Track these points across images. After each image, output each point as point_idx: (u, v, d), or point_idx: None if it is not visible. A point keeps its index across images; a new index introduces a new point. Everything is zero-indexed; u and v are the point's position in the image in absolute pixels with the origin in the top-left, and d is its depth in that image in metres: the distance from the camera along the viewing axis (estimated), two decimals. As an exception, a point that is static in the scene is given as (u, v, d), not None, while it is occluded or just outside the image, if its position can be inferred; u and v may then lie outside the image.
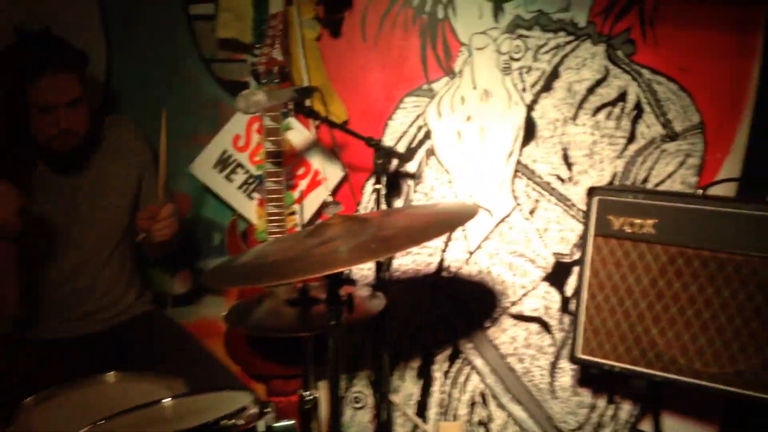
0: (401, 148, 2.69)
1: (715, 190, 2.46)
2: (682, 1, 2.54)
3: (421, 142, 2.69)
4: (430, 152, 2.69)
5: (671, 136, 2.59)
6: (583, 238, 2.28)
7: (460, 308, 2.78)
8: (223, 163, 2.65)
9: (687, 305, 2.12)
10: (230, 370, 2.48)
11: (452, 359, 2.83)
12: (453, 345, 2.82)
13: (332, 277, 1.69)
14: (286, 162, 2.53)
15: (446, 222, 1.82)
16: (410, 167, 2.71)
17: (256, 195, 2.66)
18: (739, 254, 2.06)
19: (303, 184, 2.65)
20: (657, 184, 2.59)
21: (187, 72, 2.69)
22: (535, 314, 2.74)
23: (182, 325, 2.60)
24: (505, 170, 2.68)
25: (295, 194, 2.62)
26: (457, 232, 2.75)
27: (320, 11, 2.63)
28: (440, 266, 2.76)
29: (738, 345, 2.05)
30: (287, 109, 2.60)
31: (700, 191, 2.20)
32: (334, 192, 2.69)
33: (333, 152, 2.65)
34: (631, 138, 2.60)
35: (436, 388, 2.84)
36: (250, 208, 2.68)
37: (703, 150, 2.59)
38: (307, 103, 2.57)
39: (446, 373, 2.83)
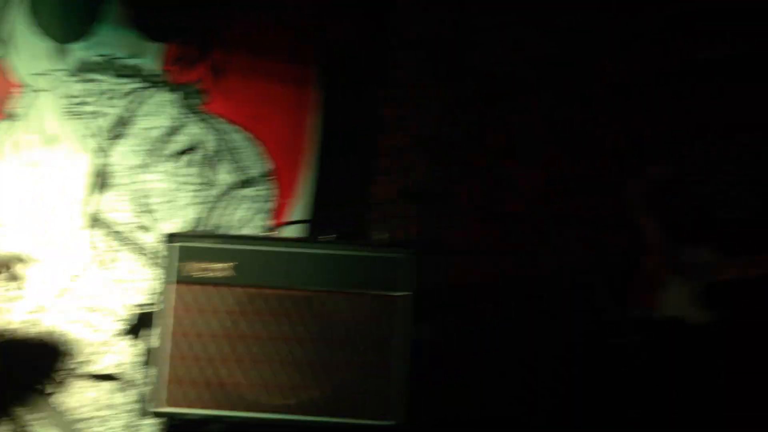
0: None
1: (289, 232, 2.64)
2: (248, 57, 2.70)
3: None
4: (-11, 202, 2.40)
5: (247, 183, 2.71)
6: (164, 285, 2.24)
7: (14, 376, 2.48)
8: None
9: (268, 343, 2.21)
10: None
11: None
12: (11, 419, 2.49)
13: None
14: None
15: None
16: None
17: None
18: (310, 290, 2.22)
19: None
20: (237, 229, 2.68)
21: None
22: (111, 371, 2.59)
23: None
24: (77, 221, 2.51)
25: None
26: (23, 290, 2.47)
27: None
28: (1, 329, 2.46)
29: (311, 375, 2.19)
30: None
31: (274, 233, 2.33)
32: None
33: None
34: (209, 184, 2.65)
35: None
36: None
37: (275, 195, 2.76)
38: None
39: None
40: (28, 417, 2.50)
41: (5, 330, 2.44)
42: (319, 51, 2.83)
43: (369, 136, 2.93)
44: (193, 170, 2.63)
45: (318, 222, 2.73)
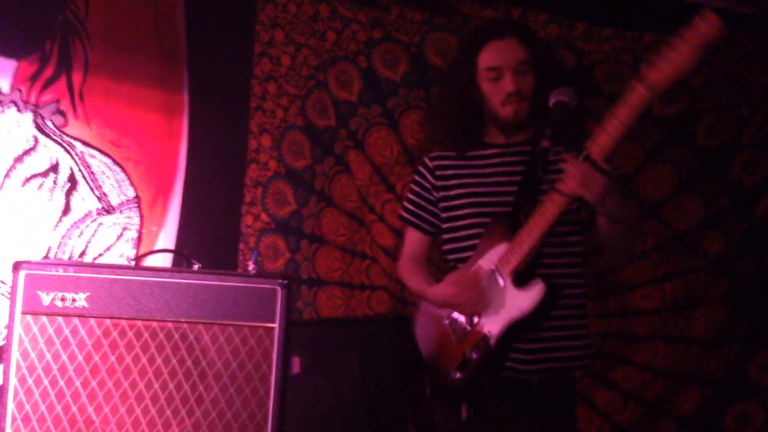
0: None
1: (152, 261, 2.53)
2: (111, 80, 2.61)
3: None
4: None
5: (108, 210, 2.59)
6: (10, 316, 2.08)
7: None
8: None
9: (124, 376, 2.10)
10: None
11: None
12: None
13: None
14: None
15: None
16: None
17: None
18: (171, 321, 2.13)
19: None
20: (96, 257, 2.55)
21: None
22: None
23: None
24: None
25: None
26: None
27: None
28: None
29: (172, 409, 2.10)
30: None
31: (133, 262, 2.23)
32: None
33: None
34: (66, 210, 2.52)
35: None
36: None
37: (139, 223, 2.65)
38: None
39: None
40: None
41: None
42: (192, 79, 2.79)
43: (237, 167, 2.90)
44: (48, 195, 2.49)
45: (184, 252, 2.65)
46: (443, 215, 2.01)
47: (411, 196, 2.06)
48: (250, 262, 2.27)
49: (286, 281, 2.16)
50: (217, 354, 2.12)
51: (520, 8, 2.63)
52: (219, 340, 2.13)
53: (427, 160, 2.03)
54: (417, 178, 2.05)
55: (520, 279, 1.81)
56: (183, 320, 2.13)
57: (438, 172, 2.00)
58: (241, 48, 2.89)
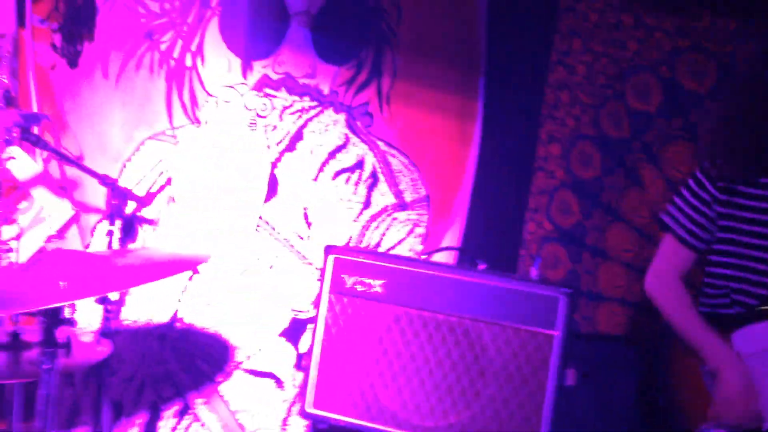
0: (140, 191, 2.57)
1: (438, 257, 2.68)
2: (413, 85, 2.79)
3: (161, 188, 2.60)
4: (170, 199, 2.61)
5: (402, 206, 2.78)
6: (319, 294, 2.34)
7: (189, 362, 2.68)
8: (-71, 189, 2.33)
9: (409, 362, 2.26)
10: None
11: (181, 415, 2.69)
12: (182, 400, 2.69)
13: (50, 314, 1.55)
14: (6, 194, 2.29)
15: (176, 267, 1.79)
16: (148, 212, 2.60)
17: (-39, 226, 2.37)
18: (454, 316, 2.24)
19: (24, 219, 2.41)
20: (388, 249, 2.76)
21: None
22: (268, 370, 2.72)
23: None
24: (247, 223, 2.67)
25: (14, 229, 2.37)
26: (194, 283, 2.66)
27: (57, 39, 2.47)
28: (173, 317, 2.65)
29: (450, 400, 2.21)
30: (10, 137, 2.37)
31: (424, 257, 2.38)
32: (62, 231, 2.48)
33: (62, 188, 2.45)
34: (367, 204, 2.75)
35: (162, 445, 2.68)
36: (-48, 240, 2.37)
37: (428, 221, 2.81)
38: (35, 131, 2.37)
39: (174, 430, 2.68)
40: (197, 400, 2.68)
41: (182, 318, 2.63)
42: (487, 86, 2.88)
43: (524, 174, 2.94)
44: (353, 188, 2.74)
45: (468, 251, 2.76)
46: (723, 235, 1.84)
47: (683, 206, 1.90)
48: (533, 269, 2.31)
49: (570, 290, 2.17)
50: (497, 354, 2.20)
51: None
52: (499, 340, 2.20)
53: (709, 168, 1.85)
54: (693, 186, 1.88)
55: None
56: (466, 316, 2.24)
57: (721, 184, 1.83)
58: (537, 56, 2.93)
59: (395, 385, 2.25)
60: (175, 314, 2.65)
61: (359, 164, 2.74)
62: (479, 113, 2.90)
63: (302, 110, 2.68)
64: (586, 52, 2.88)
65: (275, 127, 2.66)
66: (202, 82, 2.59)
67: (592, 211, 2.85)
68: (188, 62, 2.57)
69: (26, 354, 1.71)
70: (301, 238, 2.70)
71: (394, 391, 2.25)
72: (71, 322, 1.58)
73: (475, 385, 2.20)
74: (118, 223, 2.27)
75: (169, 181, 2.60)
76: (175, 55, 2.55)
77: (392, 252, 2.75)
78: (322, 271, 2.34)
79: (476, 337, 2.21)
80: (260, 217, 2.66)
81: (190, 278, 2.63)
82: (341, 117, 2.71)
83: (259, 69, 2.62)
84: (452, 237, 2.85)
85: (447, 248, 2.78)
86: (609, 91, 2.83)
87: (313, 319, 2.52)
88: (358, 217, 2.75)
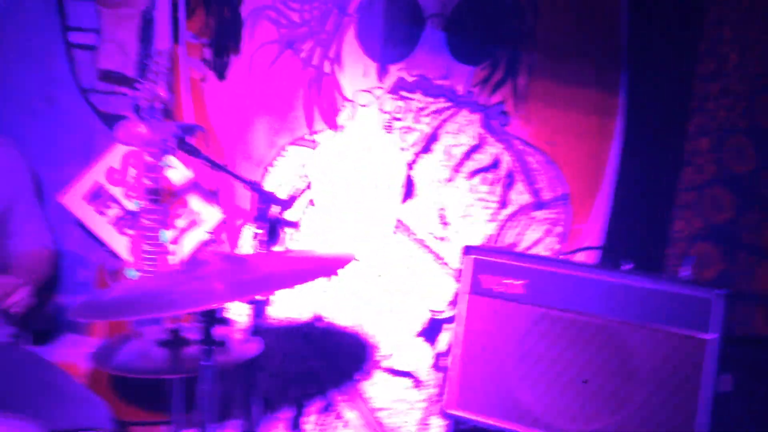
0: (282, 195, 2.68)
1: (579, 257, 2.61)
2: (551, 83, 2.73)
3: (302, 191, 2.69)
4: (311, 202, 2.69)
5: (540, 205, 2.73)
6: (458, 295, 2.34)
7: (331, 360, 2.75)
8: (96, 195, 2.53)
9: (552, 364, 2.21)
10: (101, 403, 2.31)
11: (324, 411, 2.78)
12: (325, 397, 2.77)
13: (207, 314, 1.64)
14: (164, 200, 2.44)
15: (322, 269, 1.83)
16: (290, 215, 2.69)
17: (129, 231, 2.54)
18: (599, 318, 2.17)
19: (180, 223, 2.56)
20: (526, 249, 2.72)
21: (64, 101, 2.58)
22: (407, 369, 2.76)
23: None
24: (384, 225, 2.72)
25: (171, 233, 2.53)
26: (334, 283, 2.74)
27: (207, 53, 2.61)
28: (315, 317, 2.74)
29: (599, 403, 2.14)
30: (168, 146, 2.53)
31: (564, 256, 2.32)
32: (213, 234, 2.62)
33: (212, 194, 2.59)
34: (503, 203, 2.72)
35: (306, 440, 2.77)
36: (122, 245, 2.55)
37: (567, 220, 2.74)
38: (190, 141, 2.52)
39: (319, 426, 2.77)
40: (339, 397, 2.76)
41: (323, 317, 2.72)
42: (630, 80, 2.78)
43: (671, 170, 2.81)
44: (490, 188, 2.72)
45: (611, 250, 2.67)
46: None
47: None
48: (684, 268, 2.20)
49: (725, 292, 2.05)
50: (646, 358, 2.11)
51: None
52: (648, 344, 2.11)
53: None
54: None
55: None
56: (612, 319, 2.16)
57: None
58: (684, 47, 2.79)
59: (538, 388, 2.21)
60: (317, 313, 2.73)
61: (495, 163, 2.72)
62: (621, 108, 2.80)
63: (437, 111, 2.69)
64: (738, 40, 2.71)
65: (411, 129, 2.68)
66: (339, 88, 2.66)
67: (748, 207, 2.68)
68: (326, 69, 2.64)
69: (186, 350, 1.81)
70: (438, 238, 2.71)
71: (537, 393, 2.21)
72: (227, 322, 1.67)
73: (621, 390, 2.12)
74: (263, 225, 2.37)
75: (309, 185, 2.68)
76: (314, 62, 2.63)
77: (530, 252, 2.70)
78: (461, 271, 2.34)
79: (623, 341, 2.14)
80: (397, 219, 2.69)
81: (330, 279, 2.70)
82: (476, 117, 2.70)
83: (395, 72, 2.66)
84: (593, 236, 2.77)
85: (589, 248, 2.70)
86: (763, 80, 2.65)
87: (451, 320, 2.53)
88: (494, 217, 2.72)
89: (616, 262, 2.27)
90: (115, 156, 2.52)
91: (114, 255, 2.55)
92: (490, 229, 2.71)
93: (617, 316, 2.15)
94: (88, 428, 1.68)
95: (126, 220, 2.55)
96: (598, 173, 2.79)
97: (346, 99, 2.66)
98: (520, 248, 2.71)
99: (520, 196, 2.73)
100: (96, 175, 2.52)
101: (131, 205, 2.53)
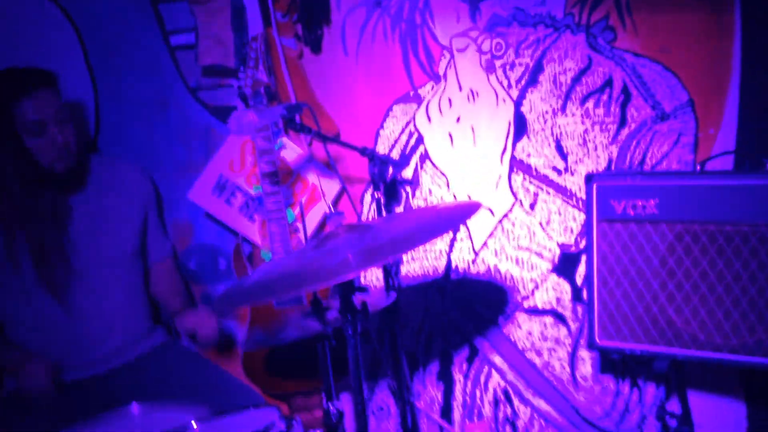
0: (395, 155, 2.69)
1: (712, 165, 2.47)
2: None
3: (413, 148, 2.70)
4: (424, 157, 2.69)
5: (662, 117, 2.60)
6: (587, 225, 2.28)
7: (469, 309, 2.77)
8: (221, 187, 2.65)
9: (700, 280, 2.12)
10: (252, 389, 2.46)
11: (470, 360, 2.81)
12: (469, 345, 2.80)
13: (344, 285, 1.69)
14: (283, 180, 2.52)
15: (448, 221, 1.83)
16: (406, 173, 2.71)
17: (256, 216, 2.65)
18: (746, 225, 2.06)
19: (302, 200, 2.65)
20: (654, 166, 2.60)
21: (175, 103, 2.70)
22: (547, 307, 2.73)
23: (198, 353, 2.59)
24: (500, 167, 2.68)
25: (296, 211, 2.62)
26: (461, 233, 2.74)
27: (299, 29, 2.64)
28: (447, 269, 2.76)
29: (755, 314, 2.04)
30: (278, 128, 2.60)
31: (698, 167, 2.20)
32: (334, 205, 2.69)
33: (328, 166, 2.65)
34: (622, 123, 2.61)
35: (457, 389, 2.82)
36: (252, 230, 2.67)
37: (695, 127, 2.59)
38: (298, 119, 2.58)
39: (466, 375, 2.82)
40: (484, 343, 2.79)
41: (455, 268, 2.74)
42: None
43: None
44: (605, 109, 2.61)
45: (746, 153, 2.50)
46: None
47: None
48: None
49: None
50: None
51: None
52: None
53: None
54: None
55: None
56: (761, 222, 2.04)
57: None
58: None
59: (689, 307, 2.13)
60: (448, 266, 2.75)
61: (608, 82, 2.60)
62: (736, 2, 2.59)
63: (538, 40, 2.60)
64: None
65: (513, 64, 2.61)
66: (434, 37, 2.62)
67: None
68: (418, 20, 2.61)
69: (329, 317, 1.88)
70: (559, 171, 2.64)
71: (689, 312, 2.13)
72: (365, 289, 1.71)
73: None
74: (382, 188, 2.40)
75: (420, 140, 2.68)
76: (405, 16, 2.61)
77: (659, 168, 2.58)
78: (587, 200, 2.27)
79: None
80: (513, 158, 2.65)
81: (458, 230, 2.70)
82: (580, 38, 2.59)
83: (488, 9, 2.59)
84: (725, 140, 2.60)
85: (723, 153, 2.54)
86: None
87: (584, 251, 2.47)
88: (614, 138, 2.61)
89: (757, 163, 2.13)
90: (232, 146, 2.62)
91: (247, 241, 2.68)
92: (612, 152, 2.61)
93: (765, 219, 2.02)
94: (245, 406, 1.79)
95: (252, 206, 2.66)
96: (724, 73, 2.60)
97: (442, 47, 2.62)
98: (649, 165, 2.59)
99: (638, 112, 2.60)
100: (217, 167, 2.63)
101: (254, 191, 2.64)
